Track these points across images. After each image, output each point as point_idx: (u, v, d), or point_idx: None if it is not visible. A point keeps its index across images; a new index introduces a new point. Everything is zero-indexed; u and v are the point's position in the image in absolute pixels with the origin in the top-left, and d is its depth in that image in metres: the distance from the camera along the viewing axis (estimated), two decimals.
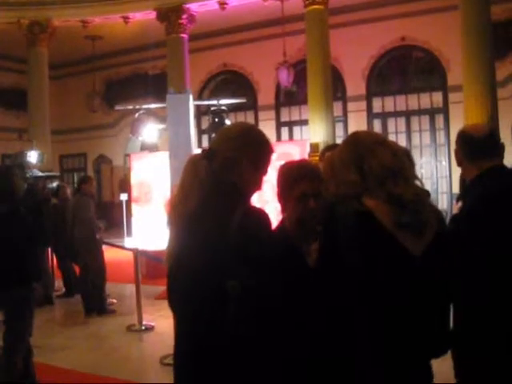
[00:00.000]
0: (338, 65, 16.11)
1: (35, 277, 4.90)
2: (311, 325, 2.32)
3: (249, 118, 18.28)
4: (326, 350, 2.26)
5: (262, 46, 16.74)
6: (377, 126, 16.59)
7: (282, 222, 2.65)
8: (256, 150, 2.25)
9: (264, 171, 2.30)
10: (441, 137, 15.81)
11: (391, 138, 15.92)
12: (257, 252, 1.98)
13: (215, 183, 2.15)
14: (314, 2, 13.08)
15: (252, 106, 18.08)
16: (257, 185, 2.29)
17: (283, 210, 2.63)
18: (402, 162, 2.22)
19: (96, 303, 8.13)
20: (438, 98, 15.84)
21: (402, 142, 16.02)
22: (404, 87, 16.40)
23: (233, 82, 18.55)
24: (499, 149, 2.64)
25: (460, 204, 2.62)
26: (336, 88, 15.58)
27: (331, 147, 4.86)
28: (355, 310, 2.08)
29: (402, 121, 16.43)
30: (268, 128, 17.78)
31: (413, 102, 16.18)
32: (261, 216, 2.09)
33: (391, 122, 16.56)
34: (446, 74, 15.45)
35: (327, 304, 2.22)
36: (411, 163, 2.38)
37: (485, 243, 2.33)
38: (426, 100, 16.03)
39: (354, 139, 2.33)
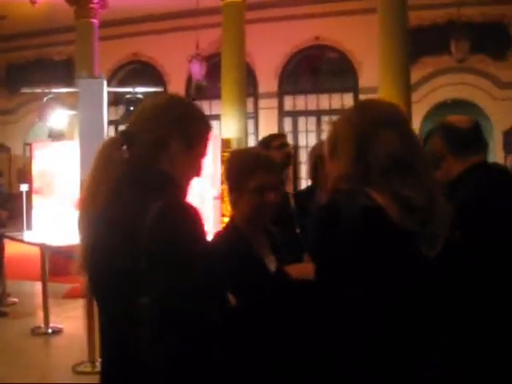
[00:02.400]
0: (250, 61, 15.88)
1: None
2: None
3: None
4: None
5: (174, 38, 16.32)
6: (287, 124, 16.58)
7: (231, 220, 2.36)
8: (188, 125, 1.79)
9: (201, 152, 1.85)
10: None
11: (301, 136, 16.13)
12: (172, 259, 1.54)
13: (134, 174, 1.72)
14: None
15: None
16: (194, 170, 1.84)
17: (234, 206, 2.33)
18: (415, 150, 1.81)
19: None
20: (348, 98, 15.98)
21: (312, 141, 16.07)
22: (316, 87, 16.47)
23: (143, 72, 17.97)
24: (485, 143, 2.46)
25: None
26: (248, 84, 15.38)
27: (278, 136, 4.66)
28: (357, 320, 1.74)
29: (312, 120, 16.47)
30: None
31: (324, 101, 16.27)
32: (183, 213, 1.62)
33: (302, 121, 16.59)
34: (358, 75, 15.63)
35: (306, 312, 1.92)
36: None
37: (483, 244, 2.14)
38: (336, 100, 16.14)
39: (359, 112, 1.90)
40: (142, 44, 17.24)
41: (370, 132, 1.77)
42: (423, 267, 1.75)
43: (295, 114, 16.70)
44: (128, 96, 8.57)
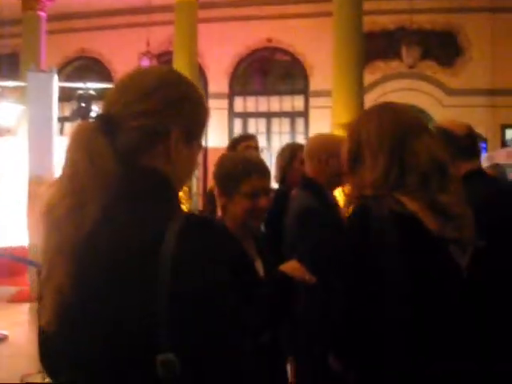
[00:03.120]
0: (201, 60, 15.74)
1: None
2: None
3: None
4: None
5: (124, 34, 15.96)
6: (237, 126, 16.47)
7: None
8: (190, 109, 1.36)
9: (200, 145, 1.43)
10: (300, 140, 15.95)
11: None
12: (212, 298, 1.14)
13: (128, 177, 1.25)
14: None
15: None
16: (193, 168, 1.45)
17: (224, 209, 2.25)
18: (447, 154, 1.73)
19: None
20: (299, 101, 16.01)
21: (263, 143, 16.01)
22: (266, 89, 16.44)
23: (90, 68, 17.56)
24: (478, 149, 2.41)
25: None
26: (198, 84, 15.22)
27: (246, 137, 4.50)
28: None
29: (262, 122, 16.41)
30: None
31: (274, 103, 16.24)
32: (215, 231, 1.23)
33: (252, 123, 16.50)
34: (308, 78, 15.65)
35: None
36: None
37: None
38: (287, 103, 16.15)
39: (391, 115, 1.76)
40: (90, 39, 16.83)
41: (410, 136, 1.68)
42: (457, 275, 1.67)
43: (245, 116, 16.60)
44: (80, 92, 8.30)
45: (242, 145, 4.26)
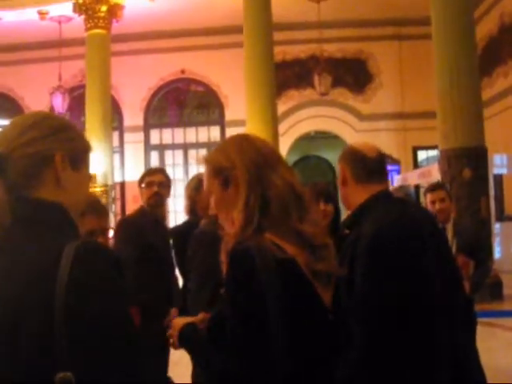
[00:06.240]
0: (115, 94, 15.59)
1: None
2: None
3: None
4: None
5: (35, 69, 15.62)
6: (154, 158, 16.35)
7: None
8: (69, 137, 1.40)
9: (88, 174, 1.48)
10: None
11: (168, 170, 15.62)
12: (104, 316, 1.19)
13: (20, 208, 1.32)
14: (97, 26, 12.52)
15: None
16: (84, 196, 1.48)
17: None
18: (302, 185, 1.73)
19: None
20: (215, 132, 16.10)
21: (180, 174, 15.96)
22: (182, 120, 16.44)
23: (0, 105, 17.06)
24: (387, 171, 2.47)
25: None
26: (113, 118, 15.05)
27: (150, 172, 4.34)
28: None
29: (179, 153, 16.37)
30: None
31: (191, 135, 16.25)
32: (103, 255, 1.27)
33: (168, 155, 16.44)
34: (224, 109, 15.78)
35: None
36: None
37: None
38: (203, 134, 16.20)
39: (251, 146, 1.73)
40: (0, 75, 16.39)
41: (267, 168, 1.66)
42: (324, 312, 1.64)
43: (162, 148, 16.52)
44: None
45: (146, 180, 4.14)
